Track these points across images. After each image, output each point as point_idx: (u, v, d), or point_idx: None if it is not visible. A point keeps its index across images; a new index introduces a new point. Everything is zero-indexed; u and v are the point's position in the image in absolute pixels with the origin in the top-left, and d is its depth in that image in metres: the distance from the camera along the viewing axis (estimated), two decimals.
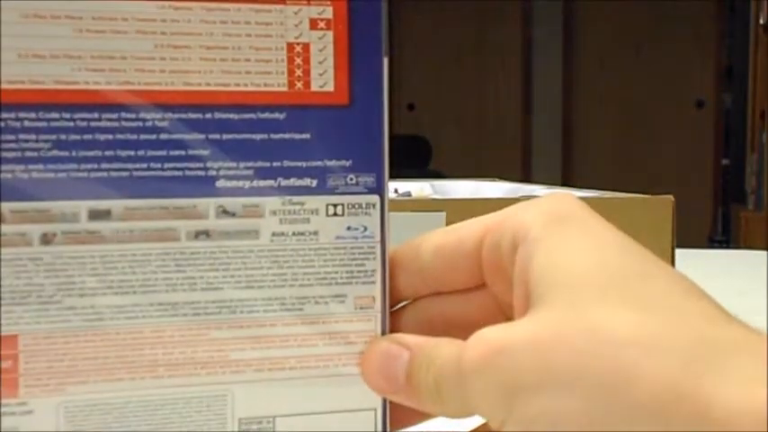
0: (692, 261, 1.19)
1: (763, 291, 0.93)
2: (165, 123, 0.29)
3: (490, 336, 0.26)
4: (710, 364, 0.23)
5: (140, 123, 0.29)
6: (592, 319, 0.25)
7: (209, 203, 0.29)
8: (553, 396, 0.24)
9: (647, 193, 0.65)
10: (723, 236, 4.07)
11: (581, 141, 4.28)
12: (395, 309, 0.32)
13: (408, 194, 0.89)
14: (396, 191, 0.90)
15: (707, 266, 1.19)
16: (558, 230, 0.28)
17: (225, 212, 0.30)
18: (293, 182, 0.30)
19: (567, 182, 4.10)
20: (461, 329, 0.28)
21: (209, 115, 0.29)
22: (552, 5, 4.24)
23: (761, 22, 3.34)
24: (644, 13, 4.11)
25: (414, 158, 3.98)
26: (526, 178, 4.01)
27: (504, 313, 0.30)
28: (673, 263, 0.64)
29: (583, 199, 0.30)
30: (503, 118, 4.29)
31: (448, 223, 0.60)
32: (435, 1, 4.17)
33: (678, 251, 0.65)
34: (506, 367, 0.25)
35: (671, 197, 0.64)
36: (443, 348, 0.28)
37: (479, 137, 4.30)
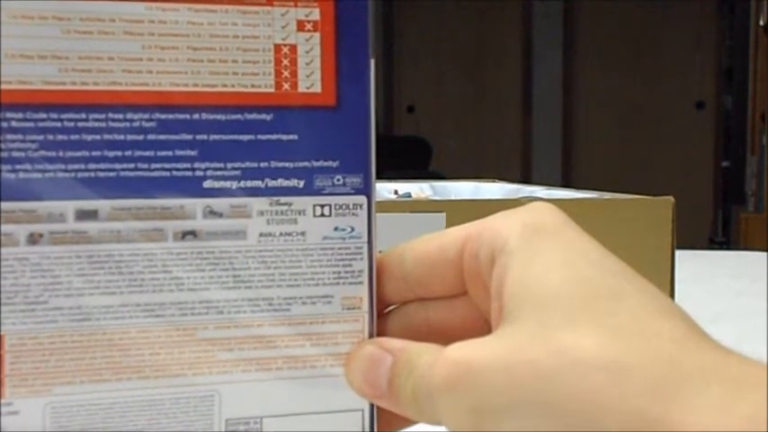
0: (692, 261, 1.19)
1: (762, 291, 0.93)
2: (152, 124, 0.29)
3: (457, 354, 0.26)
4: (678, 390, 0.23)
5: (127, 124, 0.29)
6: (560, 341, 0.24)
7: (196, 204, 0.30)
8: (520, 419, 0.24)
9: (647, 194, 0.65)
10: (723, 237, 4.07)
11: (581, 142, 4.28)
12: (382, 313, 0.32)
13: (408, 195, 0.89)
14: (396, 192, 0.90)
15: (707, 267, 1.19)
16: (534, 243, 0.27)
17: (212, 213, 0.30)
18: (280, 182, 0.30)
19: (566, 183, 4.10)
20: (446, 336, 0.28)
21: (196, 116, 0.29)
22: (552, 5, 4.24)
23: (761, 23, 3.34)
24: (644, 14, 4.11)
25: (414, 160, 3.97)
26: (526, 179, 4.01)
27: (487, 321, 0.30)
28: (673, 263, 0.64)
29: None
30: (503, 119, 4.29)
31: (448, 224, 0.60)
32: (435, 1, 4.17)
33: (678, 252, 0.65)
34: (473, 388, 0.25)
35: (671, 198, 0.64)
36: (423, 357, 0.28)
37: (479, 138, 4.30)
